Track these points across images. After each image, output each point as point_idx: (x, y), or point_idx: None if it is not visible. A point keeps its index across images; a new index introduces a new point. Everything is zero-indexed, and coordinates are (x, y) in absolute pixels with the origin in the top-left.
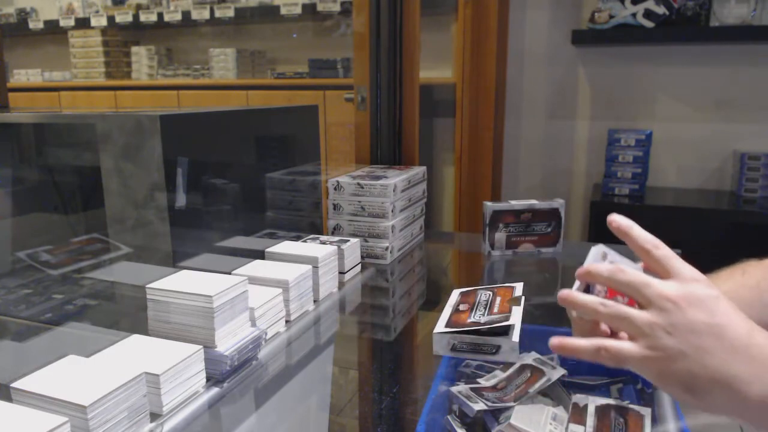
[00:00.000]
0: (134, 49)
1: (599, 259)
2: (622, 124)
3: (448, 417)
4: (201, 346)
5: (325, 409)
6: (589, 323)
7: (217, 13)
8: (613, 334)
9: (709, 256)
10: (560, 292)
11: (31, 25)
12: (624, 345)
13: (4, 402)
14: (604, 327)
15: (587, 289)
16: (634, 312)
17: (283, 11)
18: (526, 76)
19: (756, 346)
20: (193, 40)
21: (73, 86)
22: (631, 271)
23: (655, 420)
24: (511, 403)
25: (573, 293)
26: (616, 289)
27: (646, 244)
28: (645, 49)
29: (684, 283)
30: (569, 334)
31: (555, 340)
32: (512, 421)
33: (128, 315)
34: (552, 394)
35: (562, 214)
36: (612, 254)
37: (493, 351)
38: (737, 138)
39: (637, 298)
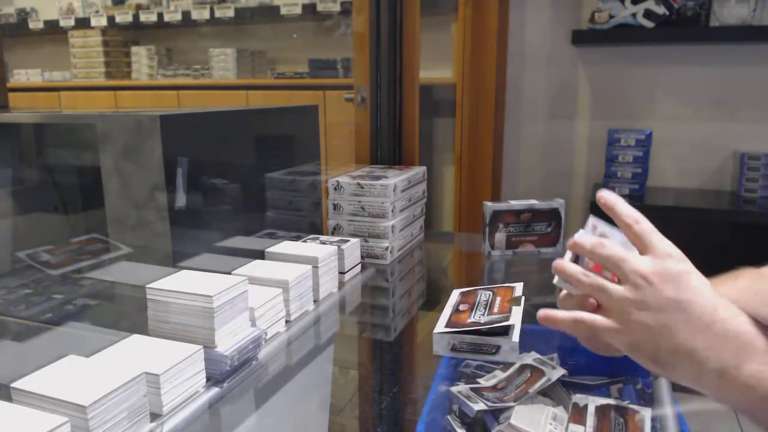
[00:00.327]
0: (134, 49)
1: (590, 231)
2: (622, 124)
3: (448, 417)
4: (201, 346)
5: (325, 409)
6: (574, 302)
7: (217, 13)
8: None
9: (709, 256)
10: (554, 261)
11: (31, 25)
12: (597, 318)
13: (4, 402)
14: (591, 301)
15: (576, 259)
16: (610, 286)
17: (283, 11)
18: (526, 76)
19: (719, 321)
20: (193, 40)
21: (73, 86)
22: (611, 246)
23: (655, 420)
24: (511, 403)
25: (563, 262)
26: (596, 262)
27: (627, 218)
28: (645, 49)
29: (658, 259)
30: (569, 334)
31: (541, 312)
32: (512, 421)
33: (128, 315)
34: (552, 394)
35: (562, 214)
36: (602, 225)
37: (493, 351)
38: (737, 138)
39: (615, 272)
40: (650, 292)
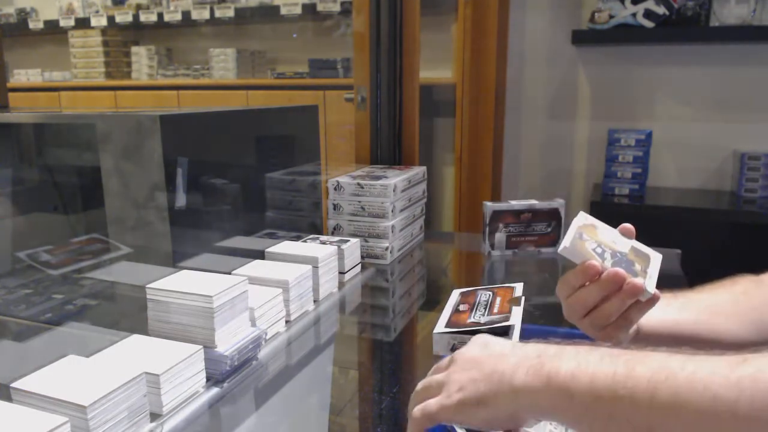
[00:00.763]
0: (134, 49)
1: (577, 237)
2: (622, 124)
3: None
4: (201, 346)
5: (325, 409)
6: (570, 287)
7: (217, 13)
8: (605, 300)
9: (709, 256)
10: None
11: (31, 25)
12: (430, 403)
13: (4, 402)
14: (593, 297)
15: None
16: (427, 381)
17: (283, 11)
18: (526, 76)
19: (513, 350)
20: (193, 40)
21: (73, 86)
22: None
23: None
24: None
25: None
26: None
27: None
28: (645, 49)
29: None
30: (569, 334)
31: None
32: None
33: (128, 315)
34: None
35: (562, 214)
36: (590, 219)
37: None
38: (737, 138)
39: (433, 387)
40: (458, 359)
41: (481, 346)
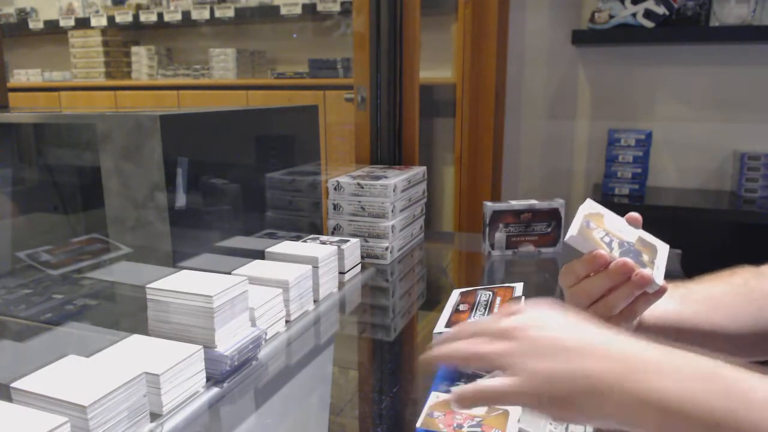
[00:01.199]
0: (134, 49)
1: (583, 227)
2: (622, 124)
3: None
4: (201, 346)
5: (325, 409)
6: (574, 277)
7: (217, 13)
8: (612, 291)
9: (709, 256)
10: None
11: (31, 25)
12: (496, 381)
13: (4, 402)
14: (599, 288)
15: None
16: (487, 348)
17: (283, 11)
18: (526, 76)
19: (603, 343)
20: (193, 40)
21: (73, 86)
22: (482, 321)
23: None
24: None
25: (445, 343)
26: (470, 337)
27: (478, 330)
28: (645, 49)
29: (524, 312)
30: None
31: (453, 396)
32: (521, 425)
33: (128, 315)
34: None
35: (562, 214)
36: (597, 207)
37: None
38: (737, 138)
39: (488, 335)
40: (530, 339)
41: (564, 327)
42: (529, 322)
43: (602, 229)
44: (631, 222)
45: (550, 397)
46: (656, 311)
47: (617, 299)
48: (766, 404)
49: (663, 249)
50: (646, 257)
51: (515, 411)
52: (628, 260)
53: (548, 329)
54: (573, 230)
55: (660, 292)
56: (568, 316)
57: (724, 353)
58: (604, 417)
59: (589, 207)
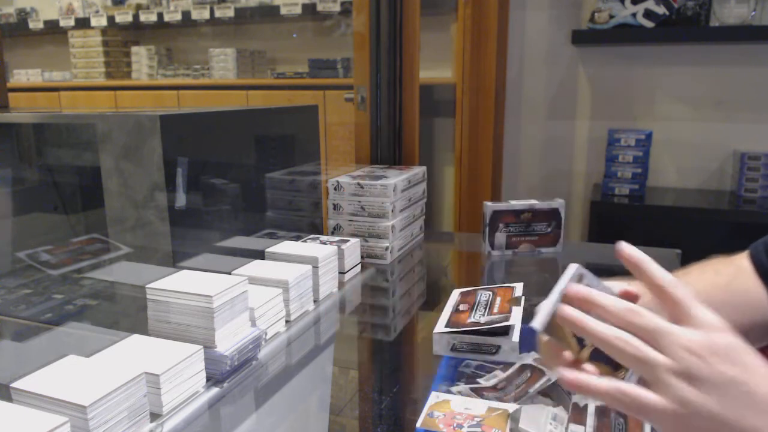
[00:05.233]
0: (134, 49)
1: (576, 281)
2: (622, 124)
3: None
4: (201, 346)
5: (325, 409)
6: (559, 353)
7: (217, 13)
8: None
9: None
10: (567, 312)
11: (31, 25)
12: (645, 393)
13: (4, 402)
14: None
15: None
16: (658, 358)
17: (283, 11)
18: (526, 76)
19: None
20: (193, 40)
21: (73, 86)
22: (648, 314)
23: None
24: (511, 403)
25: (583, 318)
26: (624, 329)
27: (660, 281)
28: (645, 49)
29: (707, 332)
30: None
31: (570, 375)
32: (522, 425)
33: (128, 315)
34: (552, 394)
35: (562, 214)
36: (589, 277)
37: (493, 351)
38: (737, 138)
39: (653, 345)
40: (704, 368)
41: (743, 364)
42: (720, 350)
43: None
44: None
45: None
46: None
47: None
48: None
49: None
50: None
51: (514, 410)
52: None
53: (739, 365)
54: (537, 321)
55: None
56: (757, 355)
57: None
58: None
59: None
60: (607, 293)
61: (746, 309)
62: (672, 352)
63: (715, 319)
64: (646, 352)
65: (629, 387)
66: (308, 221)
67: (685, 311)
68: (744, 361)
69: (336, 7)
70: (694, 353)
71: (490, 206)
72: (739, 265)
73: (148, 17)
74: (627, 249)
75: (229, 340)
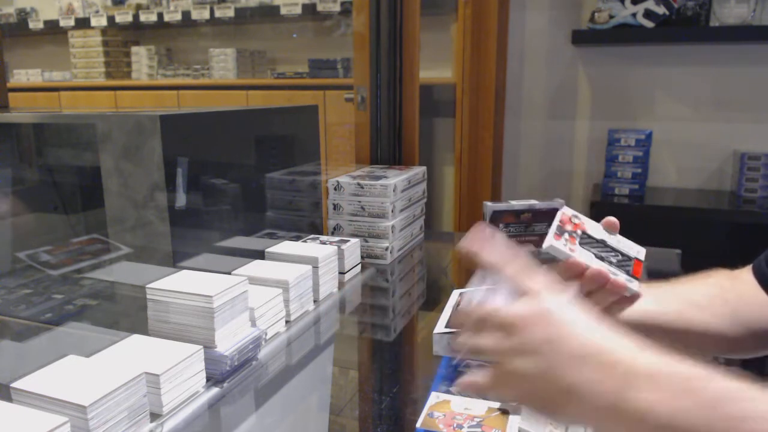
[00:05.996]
0: (134, 49)
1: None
2: (622, 124)
3: None
4: (201, 346)
5: (325, 409)
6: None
7: (217, 13)
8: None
9: (709, 256)
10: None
11: (31, 25)
12: (480, 379)
13: (4, 402)
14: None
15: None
16: (485, 344)
17: (283, 11)
18: (526, 76)
19: (595, 353)
20: (193, 40)
21: (73, 86)
22: (481, 309)
23: None
24: (511, 404)
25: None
26: (473, 329)
27: (495, 263)
28: (645, 49)
29: (528, 301)
30: None
31: (462, 384)
32: (521, 425)
33: (128, 315)
34: None
35: None
36: (575, 213)
37: None
38: (737, 138)
39: (489, 329)
40: (523, 338)
41: (557, 324)
42: (534, 318)
43: (579, 236)
44: (608, 227)
45: (530, 402)
46: (631, 309)
47: (593, 304)
48: (753, 422)
49: (640, 253)
50: (622, 262)
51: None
52: (602, 269)
53: (542, 327)
54: (551, 238)
55: (634, 297)
56: (577, 312)
57: (698, 351)
58: (594, 424)
59: (566, 214)
60: (592, 226)
61: (750, 319)
62: (500, 328)
63: (544, 283)
64: (477, 344)
65: (469, 379)
66: (308, 221)
67: (519, 285)
68: (561, 320)
69: (336, 7)
70: (513, 325)
71: (490, 206)
72: (741, 278)
73: (148, 17)
74: (464, 247)
75: (229, 340)
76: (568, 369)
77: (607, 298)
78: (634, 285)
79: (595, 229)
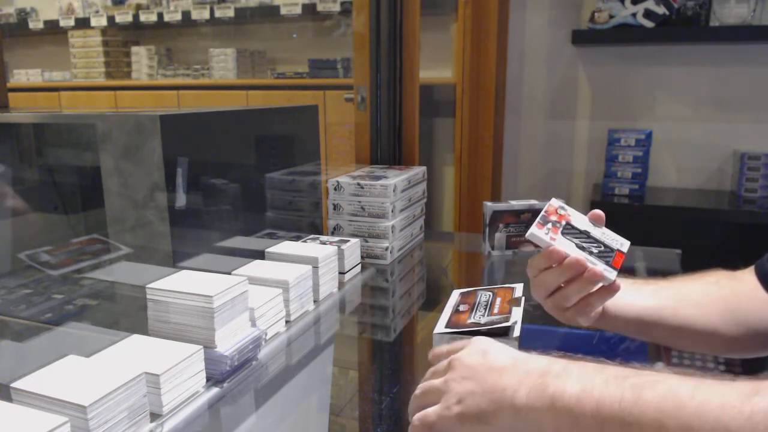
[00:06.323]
0: (134, 49)
1: (544, 218)
2: (622, 124)
3: None
4: (201, 346)
5: (325, 409)
6: (539, 266)
7: (217, 13)
8: (567, 284)
9: (709, 256)
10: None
11: (31, 25)
12: (428, 411)
13: (4, 402)
14: (555, 281)
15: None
16: (430, 384)
17: (283, 11)
18: (526, 76)
19: (515, 364)
20: (193, 40)
21: (73, 86)
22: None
23: None
24: None
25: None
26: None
27: (437, 354)
28: (645, 49)
29: (466, 350)
30: (569, 334)
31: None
32: None
33: (128, 315)
34: None
35: None
36: (560, 204)
37: None
38: (737, 138)
39: (434, 392)
40: (456, 369)
41: (480, 353)
42: (454, 360)
43: (563, 226)
44: (594, 219)
45: (472, 416)
46: (620, 303)
47: (570, 293)
48: (667, 398)
49: (623, 246)
50: (603, 253)
51: None
52: (581, 257)
53: (471, 357)
54: (533, 227)
55: (612, 288)
56: (500, 347)
57: (694, 349)
58: (523, 429)
59: (552, 205)
60: (578, 217)
61: (750, 318)
62: (447, 367)
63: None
64: (427, 385)
65: (421, 415)
66: (308, 221)
67: (457, 349)
68: (486, 350)
69: (336, 7)
70: (451, 361)
71: (490, 206)
72: (741, 278)
73: (148, 17)
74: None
75: (229, 340)
76: (495, 378)
77: (585, 287)
78: (612, 275)
79: (580, 220)
